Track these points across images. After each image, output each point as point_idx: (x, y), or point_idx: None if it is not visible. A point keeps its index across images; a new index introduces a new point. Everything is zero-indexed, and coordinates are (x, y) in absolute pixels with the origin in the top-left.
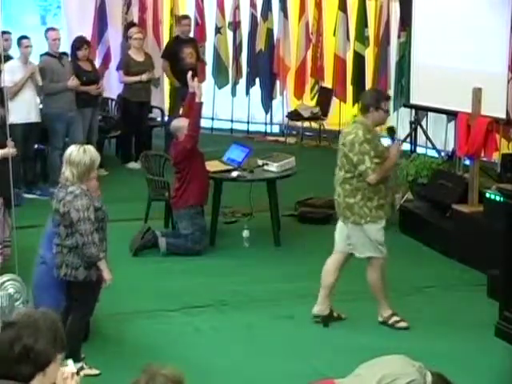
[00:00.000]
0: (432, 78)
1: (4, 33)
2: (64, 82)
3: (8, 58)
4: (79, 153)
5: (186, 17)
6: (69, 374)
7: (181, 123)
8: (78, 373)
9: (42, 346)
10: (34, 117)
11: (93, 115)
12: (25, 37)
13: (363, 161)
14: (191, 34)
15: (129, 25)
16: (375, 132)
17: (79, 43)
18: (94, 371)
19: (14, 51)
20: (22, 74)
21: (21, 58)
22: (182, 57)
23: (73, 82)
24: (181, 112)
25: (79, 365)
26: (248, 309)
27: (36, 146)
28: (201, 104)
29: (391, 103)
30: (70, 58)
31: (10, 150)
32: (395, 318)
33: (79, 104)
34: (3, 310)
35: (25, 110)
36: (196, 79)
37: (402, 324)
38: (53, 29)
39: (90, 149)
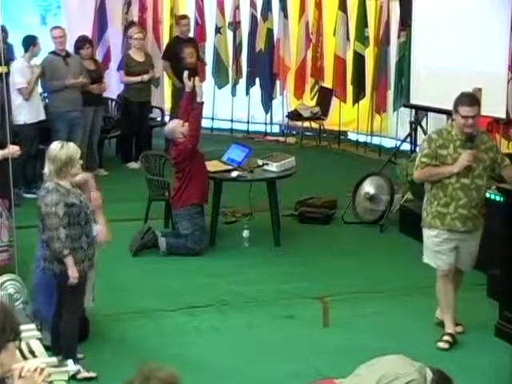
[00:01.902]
0: (432, 78)
1: None
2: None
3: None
4: (56, 149)
5: (184, 17)
6: (37, 368)
7: (174, 125)
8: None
9: None
10: (42, 115)
11: (95, 114)
12: (35, 37)
13: (417, 158)
14: (191, 34)
15: (129, 24)
16: (450, 136)
17: (81, 42)
18: (91, 374)
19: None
20: (30, 73)
21: (26, 57)
22: (182, 57)
23: (71, 80)
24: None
25: (76, 367)
26: (248, 309)
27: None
28: (202, 104)
29: (391, 104)
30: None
31: (10, 151)
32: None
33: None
34: None
35: (35, 109)
36: (197, 79)
37: (440, 345)
38: (57, 27)
39: (69, 145)
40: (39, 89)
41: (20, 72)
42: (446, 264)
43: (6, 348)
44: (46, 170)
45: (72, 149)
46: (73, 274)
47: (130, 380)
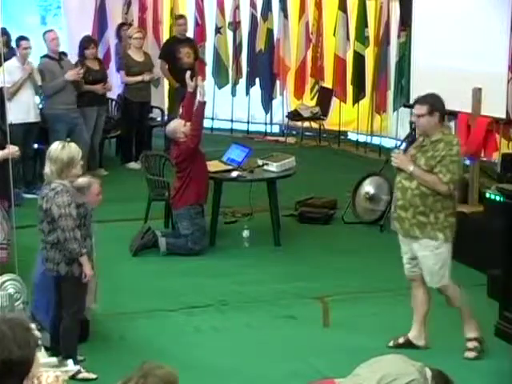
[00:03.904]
0: (432, 78)
1: None
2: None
3: None
4: (57, 149)
5: (181, 16)
6: (55, 377)
7: (175, 125)
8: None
9: (19, 354)
10: (32, 116)
11: (98, 115)
12: (24, 38)
13: None
14: (191, 34)
15: (121, 25)
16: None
17: (87, 42)
18: (92, 375)
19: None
20: (20, 74)
21: (19, 58)
22: (179, 57)
23: (70, 73)
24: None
25: (76, 368)
26: (248, 309)
27: (36, 145)
28: (204, 103)
29: (391, 104)
30: (77, 57)
31: (10, 151)
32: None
33: (83, 103)
34: (3, 310)
35: (24, 109)
36: (199, 78)
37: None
38: (50, 30)
39: (71, 145)
40: (29, 90)
41: (7, 71)
42: (405, 270)
43: (36, 359)
44: (47, 170)
45: (73, 149)
46: (89, 271)
47: (128, 377)
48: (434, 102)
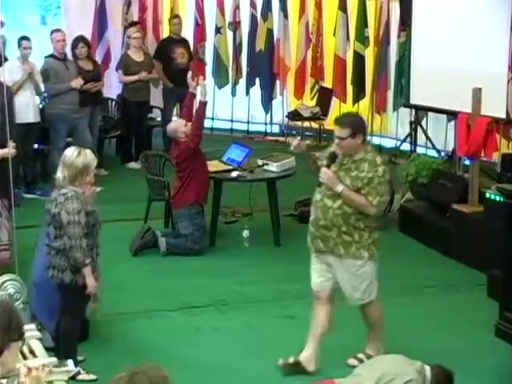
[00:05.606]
0: (432, 78)
1: None
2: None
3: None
4: (73, 155)
5: (176, 16)
6: (41, 365)
7: (176, 125)
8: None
9: None
10: (32, 117)
11: (92, 115)
12: (25, 38)
13: None
14: (191, 34)
15: (130, 24)
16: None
17: (74, 41)
18: (91, 376)
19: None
20: (21, 74)
21: (20, 58)
22: (173, 57)
23: (76, 81)
24: (178, 112)
25: (76, 369)
26: (248, 309)
27: (36, 146)
28: (205, 103)
29: (391, 104)
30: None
31: (10, 150)
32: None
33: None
34: None
35: (22, 109)
36: (201, 78)
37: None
38: (57, 30)
39: (86, 153)
40: (29, 90)
41: (8, 71)
42: (313, 284)
43: (9, 348)
44: (60, 175)
45: (89, 157)
46: (91, 283)
47: (120, 375)
48: (355, 125)
